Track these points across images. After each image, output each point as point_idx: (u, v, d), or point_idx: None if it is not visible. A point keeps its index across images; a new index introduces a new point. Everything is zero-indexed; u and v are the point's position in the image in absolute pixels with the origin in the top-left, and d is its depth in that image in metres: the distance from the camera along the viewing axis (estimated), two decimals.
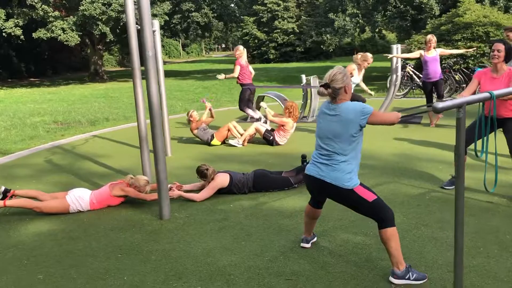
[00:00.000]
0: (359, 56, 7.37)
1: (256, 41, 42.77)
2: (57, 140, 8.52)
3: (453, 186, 4.66)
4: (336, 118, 2.96)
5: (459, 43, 12.73)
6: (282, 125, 7.02)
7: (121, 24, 24.74)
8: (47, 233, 4.11)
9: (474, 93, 4.46)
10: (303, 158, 5.69)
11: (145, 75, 4.17)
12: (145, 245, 3.74)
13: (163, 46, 60.45)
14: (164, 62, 54.24)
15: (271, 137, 7.07)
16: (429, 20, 15.84)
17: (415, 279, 2.91)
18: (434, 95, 8.11)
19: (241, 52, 8.36)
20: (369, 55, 7.37)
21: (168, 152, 6.87)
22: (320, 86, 3.01)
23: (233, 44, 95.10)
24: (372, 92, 7.98)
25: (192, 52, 68.56)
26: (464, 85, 12.00)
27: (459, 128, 2.31)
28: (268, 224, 4.02)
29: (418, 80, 12.22)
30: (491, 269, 3.04)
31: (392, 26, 18.22)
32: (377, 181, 5.03)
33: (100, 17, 22.29)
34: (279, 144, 7.10)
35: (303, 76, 9.42)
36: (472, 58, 12.45)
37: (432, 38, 7.82)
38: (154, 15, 23.77)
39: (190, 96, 16.14)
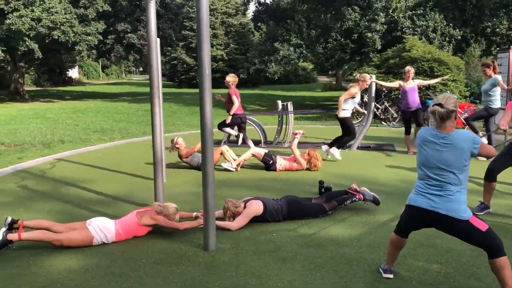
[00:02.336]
0: (358, 77, 7.49)
1: (184, 66, 42.38)
2: (17, 164, 7.59)
3: (484, 212, 4.81)
4: (448, 147, 2.89)
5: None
6: (297, 162, 6.83)
7: (47, 41, 23.30)
8: (82, 269, 3.54)
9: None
10: (321, 184, 5.59)
11: (199, 94, 3.82)
12: (210, 280, 3.35)
13: (81, 67, 57.99)
14: (84, 83, 51.73)
15: (271, 161, 6.86)
16: (371, 53, 16.78)
17: None
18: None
19: (235, 80, 8.13)
20: (368, 75, 7.56)
21: (164, 177, 6.38)
22: (434, 105, 2.94)
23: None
24: (365, 111, 8.15)
25: (112, 74, 66.26)
26: None
27: None
28: (329, 254, 3.80)
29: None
30: None
31: (333, 58, 19.07)
32: None
33: (27, 33, 20.78)
34: (275, 170, 6.93)
35: (279, 102, 9.40)
36: (419, 91, 13.28)
37: (411, 69, 8.23)
38: (87, 34, 22.69)
39: (135, 119, 15.42)
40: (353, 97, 7.37)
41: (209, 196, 3.89)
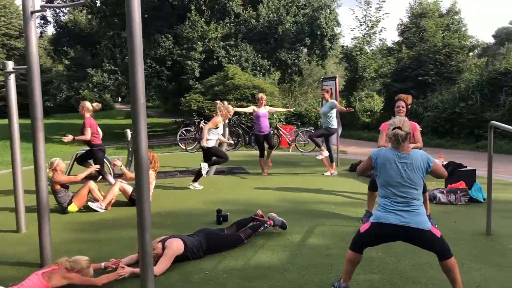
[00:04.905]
0: (222, 107, 7.56)
1: None
2: None
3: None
4: (410, 166, 3.19)
5: (231, 102, 14.27)
6: (129, 179, 6.44)
7: None
8: None
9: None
10: (219, 212, 5.46)
11: (134, 125, 3.32)
12: None
13: None
14: None
15: None
16: (191, 81, 17.13)
17: None
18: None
19: (89, 108, 7.23)
20: (230, 107, 7.68)
21: (23, 226, 5.29)
22: (394, 128, 3.21)
23: None
24: (231, 141, 8.22)
25: None
26: (247, 138, 13.49)
27: None
28: (277, 283, 3.71)
29: None
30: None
31: (150, 85, 18.75)
32: (309, 224, 5.27)
33: None
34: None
35: (128, 131, 8.80)
36: (244, 115, 14.16)
37: (263, 96, 8.76)
38: None
39: None
40: (216, 127, 7.40)
41: (147, 241, 3.39)
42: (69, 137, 7.15)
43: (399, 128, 3.22)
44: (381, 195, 3.30)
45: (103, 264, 3.99)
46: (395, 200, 3.20)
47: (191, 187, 7.50)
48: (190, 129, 13.30)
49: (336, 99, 9.62)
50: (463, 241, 4.66)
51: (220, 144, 8.07)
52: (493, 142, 12.73)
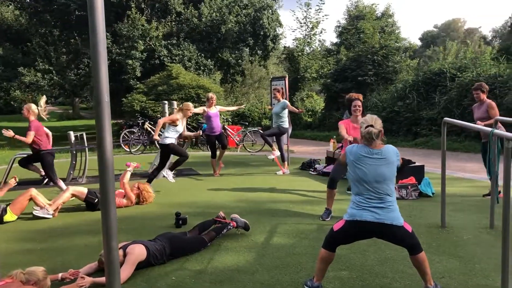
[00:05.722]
0: (181, 105, 7.38)
1: None
2: None
3: (330, 217, 5.44)
4: (383, 161, 3.22)
5: (175, 102, 13.95)
6: (127, 198, 6.23)
7: None
8: None
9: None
10: (178, 215, 5.30)
11: (97, 125, 3.10)
12: None
13: None
14: None
15: (96, 200, 6.01)
16: (132, 81, 16.59)
17: None
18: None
19: (35, 111, 6.72)
20: (191, 104, 7.48)
21: None
22: (367, 126, 3.23)
23: None
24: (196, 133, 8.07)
25: None
26: (194, 139, 13.25)
27: (508, 158, 3.08)
28: (248, 284, 3.63)
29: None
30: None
31: (88, 85, 17.97)
32: (270, 224, 5.23)
33: None
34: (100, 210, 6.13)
35: (71, 133, 8.33)
36: (190, 116, 13.90)
37: (213, 96, 8.64)
38: None
39: None
40: (175, 125, 7.17)
41: (113, 248, 3.17)
42: (10, 133, 6.57)
43: (372, 126, 3.25)
44: (354, 192, 3.31)
45: (60, 274, 3.72)
46: (368, 197, 3.22)
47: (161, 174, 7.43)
48: (134, 130, 12.86)
49: (286, 99, 9.69)
50: (421, 234, 4.82)
51: (184, 141, 7.95)
52: (431, 139, 13.31)
